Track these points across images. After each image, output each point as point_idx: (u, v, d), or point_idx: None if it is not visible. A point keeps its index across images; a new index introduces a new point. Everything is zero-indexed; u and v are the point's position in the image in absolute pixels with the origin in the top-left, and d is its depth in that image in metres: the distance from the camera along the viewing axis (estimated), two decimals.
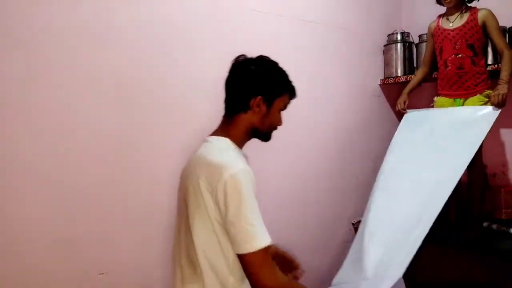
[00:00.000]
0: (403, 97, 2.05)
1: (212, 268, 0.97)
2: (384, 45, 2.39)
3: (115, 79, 1.28)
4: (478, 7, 1.98)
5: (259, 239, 0.96)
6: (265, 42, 1.76)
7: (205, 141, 1.07)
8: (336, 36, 2.04)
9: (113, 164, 1.28)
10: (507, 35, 2.17)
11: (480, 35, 1.93)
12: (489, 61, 2.19)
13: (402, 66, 2.39)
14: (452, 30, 2.00)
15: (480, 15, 1.95)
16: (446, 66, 1.97)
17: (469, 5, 2.01)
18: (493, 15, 1.94)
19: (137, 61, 1.33)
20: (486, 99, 1.91)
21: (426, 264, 1.85)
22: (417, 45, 2.36)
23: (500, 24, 2.18)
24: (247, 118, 1.08)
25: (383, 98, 2.49)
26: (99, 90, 1.24)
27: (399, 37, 2.35)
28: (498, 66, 2.13)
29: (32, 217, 1.12)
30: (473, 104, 1.95)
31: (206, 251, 0.97)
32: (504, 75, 1.87)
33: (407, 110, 2.06)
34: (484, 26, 1.94)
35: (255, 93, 1.06)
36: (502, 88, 1.83)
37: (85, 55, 1.21)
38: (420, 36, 2.31)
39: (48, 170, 1.14)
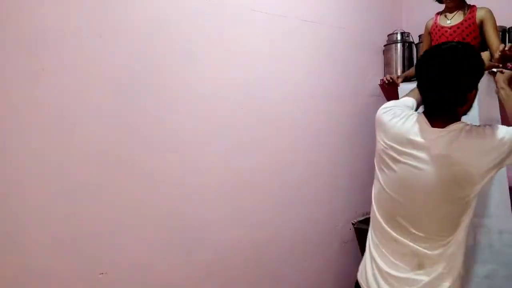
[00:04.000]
0: (394, 75, 2.05)
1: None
2: (384, 45, 2.39)
3: (116, 78, 1.28)
4: (477, 6, 1.96)
5: None
6: (265, 42, 1.76)
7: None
8: (336, 36, 2.04)
9: (114, 163, 1.28)
10: (507, 35, 2.17)
11: (477, 33, 1.92)
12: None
13: (402, 66, 2.38)
14: (450, 28, 1.99)
15: (479, 14, 1.94)
16: None
17: (468, 3, 1.99)
18: (491, 14, 1.93)
19: (139, 60, 1.33)
20: None
21: None
22: (417, 45, 2.36)
23: (500, 24, 2.18)
24: (461, 110, 1.15)
25: (382, 98, 2.49)
26: (101, 89, 1.24)
27: (399, 37, 2.35)
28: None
29: (32, 217, 1.11)
30: None
31: None
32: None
33: (400, 83, 2.10)
34: (482, 25, 1.93)
35: (473, 87, 1.12)
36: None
37: (86, 55, 1.21)
38: (420, 36, 2.31)
39: (48, 170, 1.14)
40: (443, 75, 1.08)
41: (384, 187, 1.19)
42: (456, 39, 1.96)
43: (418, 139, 1.11)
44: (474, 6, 1.97)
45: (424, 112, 1.17)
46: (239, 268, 1.66)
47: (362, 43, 2.17)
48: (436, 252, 1.12)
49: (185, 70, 1.46)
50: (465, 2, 2.00)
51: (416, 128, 1.13)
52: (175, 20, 1.43)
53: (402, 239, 1.15)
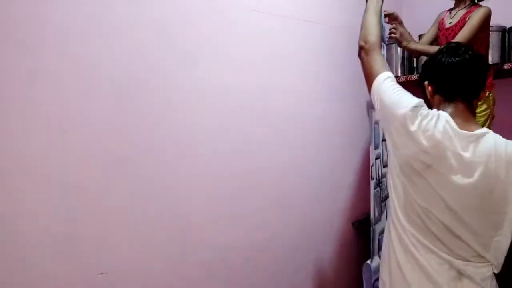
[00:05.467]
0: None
1: None
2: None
3: (115, 79, 1.28)
4: (482, 5, 1.89)
5: None
6: (265, 42, 1.76)
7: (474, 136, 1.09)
8: (336, 35, 2.04)
9: (114, 163, 1.28)
10: (507, 35, 2.17)
11: None
12: (489, 61, 2.19)
13: (402, 66, 2.39)
14: (449, 27, 1.97)
15: (473, 12, 1.85)
16: None
17: (477, 2, 1.91)
18: (483, 12, 1.82)
19: (139, 60, 1.33)
20: (482, 101, 1.86)
21: None
22: None
23: (500, 24, 2.18)
24: (475, 104, 1.21)
25: None
26: (100, 89, 1.24)
27: None
28: (499, 66, 2.14)
29: (32, 217, 1.11)
30: None
31: None
32: (415, 45, 1.88)
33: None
34: None
35: (485, 82, 1.23)
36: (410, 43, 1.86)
37: (86, 54, 1.21)
38: (420, 36, 2.31)
39: (48, 170, 1.14)
40: (471, 65, 1.16)
41: (418, 200, 1.11)
42: (452, 39, 1.89)
43: (458, 146, 1.06)
44: (476, 5, 1.90)
45: (448, 112, 1.14)
46: (239, 268, 1.66)
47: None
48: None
49: (185, 70, 1.46)
50: (471, 1, 1.93)
51: (449, 132, 1.08)
52: (175, 20, 1.43)
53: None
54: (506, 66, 2.08)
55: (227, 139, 1.61)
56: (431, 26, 2.12)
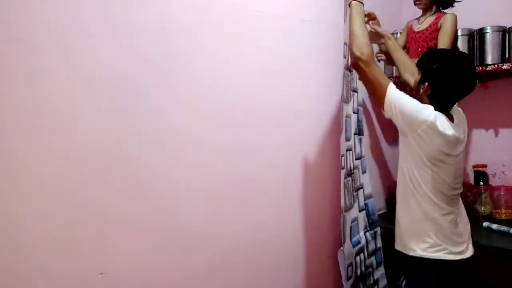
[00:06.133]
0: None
1: None
2: None
3: (115, 79, 1.28)
4: (447, 12, 2.00)
5: None
6: (265, 42, 1.76)
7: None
8: (336, 36, 2.04)
9: (114, 163, 1.28)
10: (507, 35, 2.17)
11: None
12: (489, 61, 2.19)
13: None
14: (417, 33, 2.07)
15: (442, 20, 1.96)
16: None
17: (443, 10, 2.03)
18: (452, 19, 1.93)
19: (139, 60, 1.33)
20: None
21: None
22: None
23: (500, 24, 2.18)
24: None
25: None
26: (100, 89, 1.24)
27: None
28: (498, 66, 2.14)
29: (32, 217, 1.11)
30: None
31: None
32: (394, 47, 1.89)
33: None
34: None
35: None
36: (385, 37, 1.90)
37: (85, 54, 1.21)
38: None
39: (48, 170, 1.14)
40: (474, 76, 1.49)
41: (443, 177, 1.47)
42: (421, 44, 2.04)
43: (456, 135, 1.45)
44: (442, 12, 2.01)
45: (440, 110, 1.47)
46: (239, 268, 1.66)
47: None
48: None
49: (185, 70, 1.46)
50: (437, 7, 2.04)
51: (453, 129, 1.45)
52: (175, 20, 1.43)
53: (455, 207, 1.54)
54: (505, 66, 2.08)
55: (227, 139, 1.61)
56: (401, 35, 2.28)
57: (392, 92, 1.44)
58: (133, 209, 1.32)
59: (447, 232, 1.47)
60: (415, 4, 2.09)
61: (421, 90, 1.50)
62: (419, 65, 1.56)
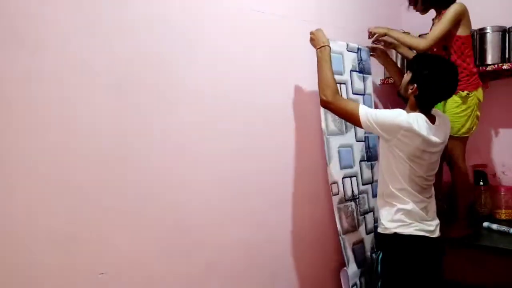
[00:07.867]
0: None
1: None
2: None
3: (115, 78, 1.28)
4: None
5: None
6: (265, 42, 1.76)
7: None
8: (336, 36, 2.03)
9: (114, 163, 1.28)
10: (507, 35, 2.17)
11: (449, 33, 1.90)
12: (489, 61, 2.19)
13: (401, 66, 2.39)
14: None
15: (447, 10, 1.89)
16: None
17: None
18: (454, 9, 1.87)
19: (139, 60, 1.34)
20: (461, 101, 1.91)
21: None
22: None
23: (500, 24, 2.18)
24: None
25: (383, 98, 2.49)
26: (100, 89, 1.24)
27: None
28: (498, 66, 2.14)
29: (32, 217, 1.11)
30: (449, 105, 1.95)
31: None
32: (400, 35, 1.95)
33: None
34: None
35: None
36: (388, 30, 1.94)
37: (85, 54, 1.21)
38: (420, 36, 2.31)
39: (48, 169, 1.14)
40: (456, 85, 1.66)
41: (418, 170, 1.60)
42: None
43: (432, 137, 1.56)
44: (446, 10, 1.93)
45: (423, 112, 1.60)
46: (238, 268, 1.66)
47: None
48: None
49: (185, 70, 1.46)
50: (434, 5, 1.99)
51: (429, 129, 1.56)
52: (175, 20, 1.43)
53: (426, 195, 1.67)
54: (505, 66, 2.08)
55: (227, 139, 1.61)
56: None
57: (364, 113, 1.56)
58: (133, 209, 1.32)
59: (419, 216, 1.62)
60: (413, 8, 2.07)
61: (410, 90, 1.62)
62: (409, 66, 1.68)
